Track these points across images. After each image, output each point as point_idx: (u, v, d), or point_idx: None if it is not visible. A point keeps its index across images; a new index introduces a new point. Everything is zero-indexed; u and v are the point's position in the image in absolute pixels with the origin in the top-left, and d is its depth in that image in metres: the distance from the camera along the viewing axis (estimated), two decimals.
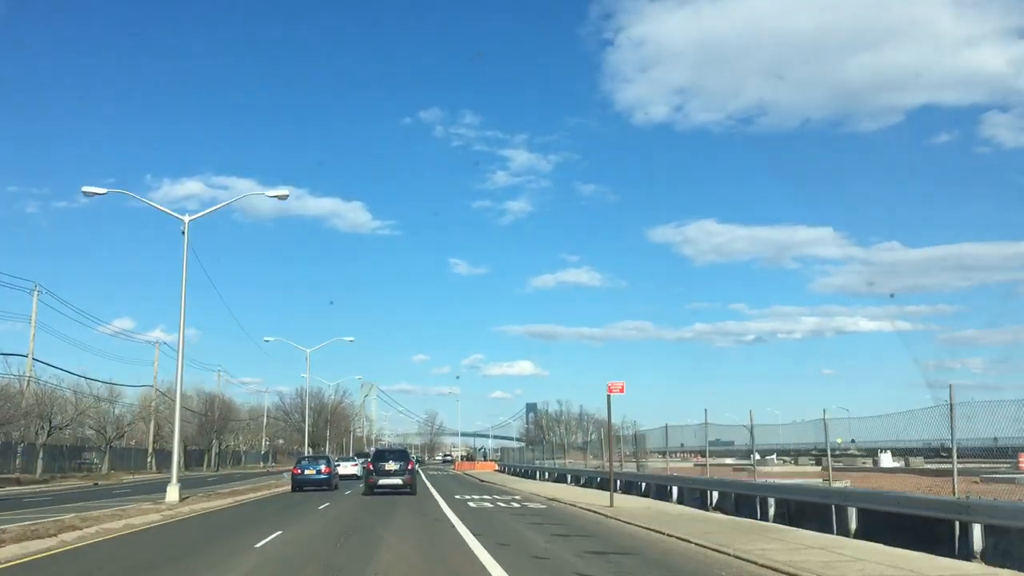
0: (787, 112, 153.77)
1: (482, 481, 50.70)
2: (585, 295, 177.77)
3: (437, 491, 35.81)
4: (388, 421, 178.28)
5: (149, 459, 72.86)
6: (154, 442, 73.81)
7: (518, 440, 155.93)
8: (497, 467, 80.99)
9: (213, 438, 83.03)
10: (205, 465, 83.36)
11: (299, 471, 36.43)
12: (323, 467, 36.63)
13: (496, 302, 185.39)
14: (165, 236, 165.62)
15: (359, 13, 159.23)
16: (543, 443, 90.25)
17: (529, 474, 58.55)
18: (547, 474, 53.48)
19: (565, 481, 45.83)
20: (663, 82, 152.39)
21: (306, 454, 56.94)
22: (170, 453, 43.30)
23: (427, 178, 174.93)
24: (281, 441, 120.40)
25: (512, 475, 62.61)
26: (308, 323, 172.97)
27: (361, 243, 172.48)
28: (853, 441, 36.31)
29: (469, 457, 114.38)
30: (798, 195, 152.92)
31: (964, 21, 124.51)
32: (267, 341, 64.40)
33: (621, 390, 25.03)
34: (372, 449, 77.05)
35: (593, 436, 66.74)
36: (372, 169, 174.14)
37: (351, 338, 66.67)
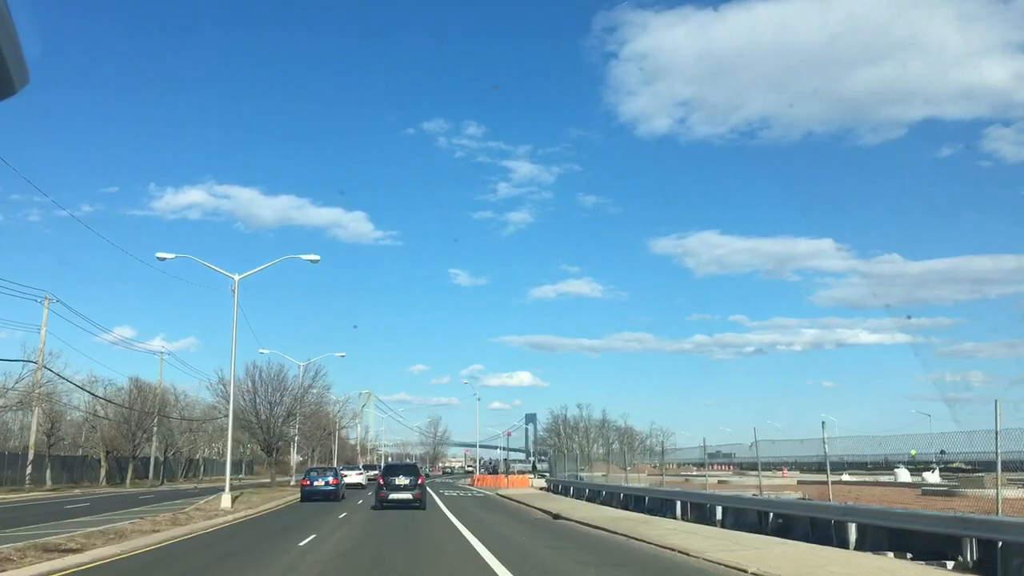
0: (789, 125, 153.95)
1: (563, 521, 28.81)
2: (585, 306, 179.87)
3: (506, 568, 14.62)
4: (385, 428, 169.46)
5: (28, 468, 50.96)
6: (37, 446, 51.88)
7: (524, 451, 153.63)
8: (544, 484, 58.65)
9: (140, 440, 61.22)
10: (129, 477, 61.56)
11: (308, 483, 38.23)
12: (331, 479, 38.53)
13: (496, 313, 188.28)
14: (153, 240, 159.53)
15: (363, 24, 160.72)
16: (564, 453, 70.08)
17: (610, 498, 37.04)
18: (642, 500, 32.23)
19: (713, 518, 24.63)
20: (666, 95, 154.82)
21: (314, 465, 53.70)
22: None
23: (429, 189, 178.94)
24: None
25: (578, 498, 41.07)
26: (307, 334, 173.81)
27: (363, 253, 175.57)
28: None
29: (491, 469, 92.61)
30: (799, 207, 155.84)
31: (967, 35, 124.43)
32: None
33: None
34: (362, 462, 76.40)
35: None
36: (375, 180, 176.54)
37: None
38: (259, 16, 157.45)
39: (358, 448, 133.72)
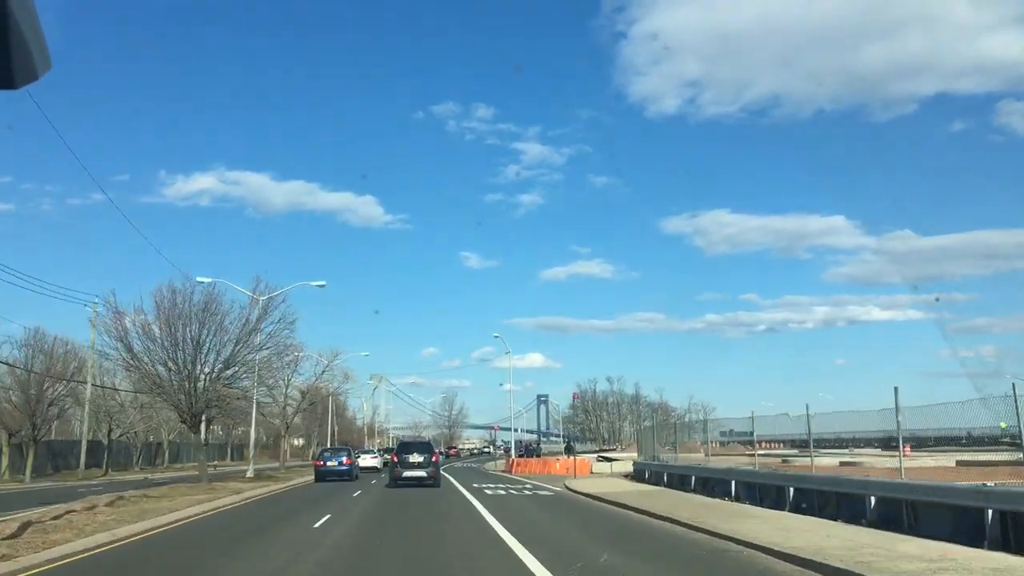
0: (800, 103, 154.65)
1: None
2: (596, 287, 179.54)
3: None
4: (395, 408, 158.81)
5: None
6: None
7: (537, 432, 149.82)
8: (630, 473, 40.21)
9: (47, 416, 42.93)
10: (29, 468, 43.24)
11: (321, 463, 38.39)
12: (344, 459, 38.61)
13: (507, 295, 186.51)
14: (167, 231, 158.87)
15: (371, 9, 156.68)
16: (653, 430, 51.49)
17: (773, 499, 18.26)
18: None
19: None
20: (676, 74, 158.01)
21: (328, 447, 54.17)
22: None
23: (440, 172, 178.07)
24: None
25: (685, 490, 22.13)
26: (319, 319, 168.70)
27: (373, 237, 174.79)
28: None
29: (529, 450, 74.31)
30: (811, 184, 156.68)
31: (978, 8, 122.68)
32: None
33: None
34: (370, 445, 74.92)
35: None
36: (385, 164, 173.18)
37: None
38: (267, 4, 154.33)
39: (365, 431, 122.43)
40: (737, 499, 21.67)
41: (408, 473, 30.76)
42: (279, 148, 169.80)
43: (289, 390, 50.48)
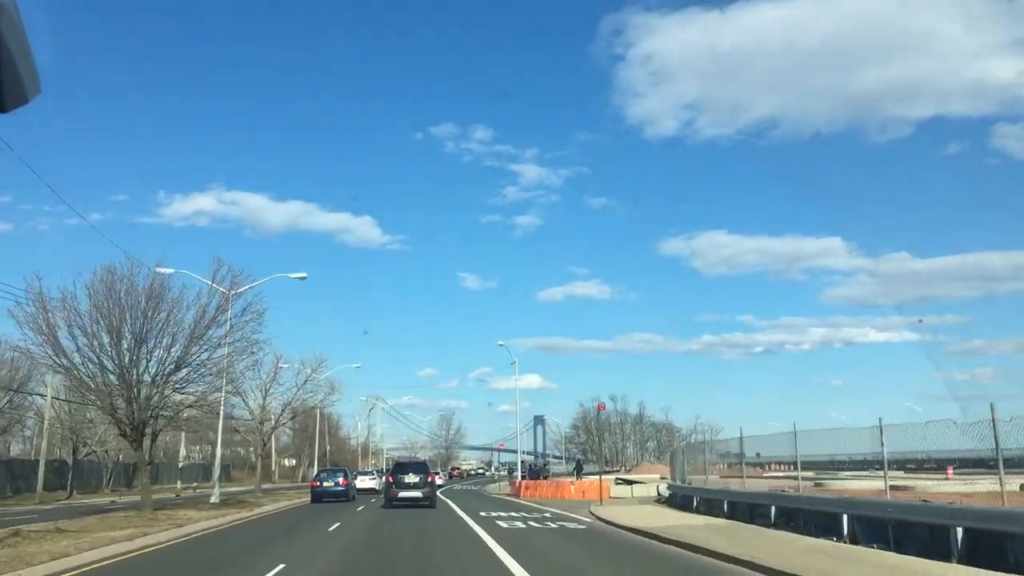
0: (797, 126, 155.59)
1: None
2: (594, 308, 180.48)
3: None
4: (390, 427, 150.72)
5: None
6: None
7: (533, 453, 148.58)
8: (660, 497, 34.55)
9: None
10: None
11: (318, 484, 38.52)
12: (341, 480, 38.79)
13: (504, 316, 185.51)
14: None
15: (371, 31, 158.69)
16: (683, 451, 45.79)
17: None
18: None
19: None
20: (673, 97, 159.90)
21: (324, 468, 52.59)
22: None
23: (438, 193, 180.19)
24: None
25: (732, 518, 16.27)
26: (313, 338, 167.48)
27: (371, 258, 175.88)
28: None
29: (537, 472, 68.40)
30: (808, 206, 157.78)
31: (973, 32, 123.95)
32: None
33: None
34: (364, 465, 75.35)
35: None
36: (384, 184, 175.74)
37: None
38: (266, 25, 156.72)
39: (359, 451, 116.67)
40: (853, 540, 15.68)
41: (404, 494, 30.65)
42: (278, 168, 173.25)
43: (269, 401, 44.42)
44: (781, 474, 31.09)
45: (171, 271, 27.57)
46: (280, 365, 45.01)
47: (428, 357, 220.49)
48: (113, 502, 39.91)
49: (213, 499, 31.42)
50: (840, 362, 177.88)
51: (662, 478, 43.83)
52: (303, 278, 34.62)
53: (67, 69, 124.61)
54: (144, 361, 24.09)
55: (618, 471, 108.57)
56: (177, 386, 24.64)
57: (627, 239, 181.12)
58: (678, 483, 33.13)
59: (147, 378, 24.07)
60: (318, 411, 64.52)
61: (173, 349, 24.30)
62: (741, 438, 25.97)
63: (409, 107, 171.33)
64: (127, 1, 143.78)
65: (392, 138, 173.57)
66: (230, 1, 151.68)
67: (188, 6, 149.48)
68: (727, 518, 22.74)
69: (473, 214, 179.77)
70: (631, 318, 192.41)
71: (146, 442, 25.27)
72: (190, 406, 26.44)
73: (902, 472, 37.88)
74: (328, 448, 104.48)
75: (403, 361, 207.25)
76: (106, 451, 63.36)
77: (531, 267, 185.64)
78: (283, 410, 46.10)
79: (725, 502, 24.10)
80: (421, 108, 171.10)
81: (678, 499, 31.39)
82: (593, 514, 25.86)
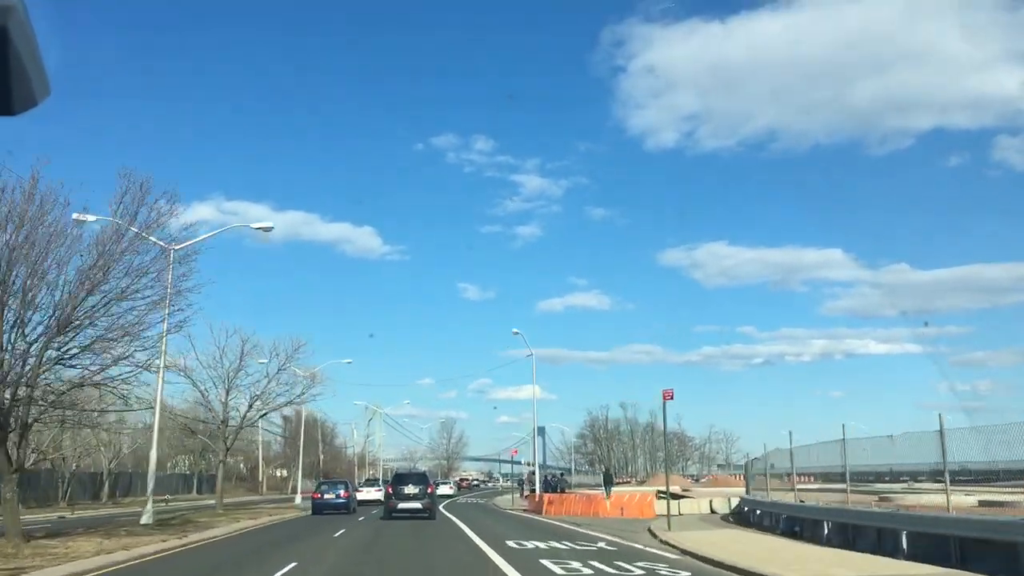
0: (797, 137, 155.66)
1: None
2: (593, 319, 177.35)
3: None
4: (389, 436, 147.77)
5: None
6: None
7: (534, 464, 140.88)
8: (723, 514, 27.19)
9: None
10: None
11: (319, 495, 38.68)
12: (342, 491, 39.09)
13: (504, 326, 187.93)
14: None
15: (373, 42, 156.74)
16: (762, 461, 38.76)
17: None
18: None
19: None
20: (674, 108, 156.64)
21: (325, 479, 50.40)
22: None
23: (438, 204, 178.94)
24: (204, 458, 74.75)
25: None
26: (315, 347, 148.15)
27: (371, 268, 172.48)
28: None
29: (554, 484, 61.38)
30: (808, 218, 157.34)
31: (972, 44, 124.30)
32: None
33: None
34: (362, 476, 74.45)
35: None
36: (384, 195, 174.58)
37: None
38: (268, 33, 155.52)
39: (355, 461, 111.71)
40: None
41: (403, 505, 31.19)
42: (278, 178, 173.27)
43: (234, 395, 36.73)
44: (815, 487, 27.35)
45: (93, 218, 20.12)
46: (246, 350, 37.54)
47: (427, 367, 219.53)
48: (61, 517, 34.21)
49: (144, 519, 23.71)
50: (840, 373, 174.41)
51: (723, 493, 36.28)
52: (269, 228, 30.75)
53: (65, 76, 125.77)
54: (2, 322, 16.35)
55: (628, 482, 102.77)
56: (61, 358, 16.96)
57: (627, 250, 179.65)
58: (756, 498, 25.63)
59: (10, 347, 16.34)
60: (300, 412, 56.65)
61: (56, 303, 16.59)
62: (791, 449, 23.87)
63: (410, 118, 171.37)
64: (128, 9, 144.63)
65: (393, 149, 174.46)
66: (230, 11, 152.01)
67: (188, 16, 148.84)
68: (849, 548, 15.22)
69: (473, 224, 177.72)
70: (631, 329, 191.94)
71: (11, 438, 17.41)
72: (80, 386, 18.46)
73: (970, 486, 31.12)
74: (322, 457, 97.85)
75: (403, 371, 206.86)
76: (62, 459, 56.57)
77: (531, 278, 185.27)
78: (250, 406, 38.43)
79: (852, 526, 16.46)
80: (422, 119, 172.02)
81: (753, 518, 24.27)
82: (666, 543, 18.30)
